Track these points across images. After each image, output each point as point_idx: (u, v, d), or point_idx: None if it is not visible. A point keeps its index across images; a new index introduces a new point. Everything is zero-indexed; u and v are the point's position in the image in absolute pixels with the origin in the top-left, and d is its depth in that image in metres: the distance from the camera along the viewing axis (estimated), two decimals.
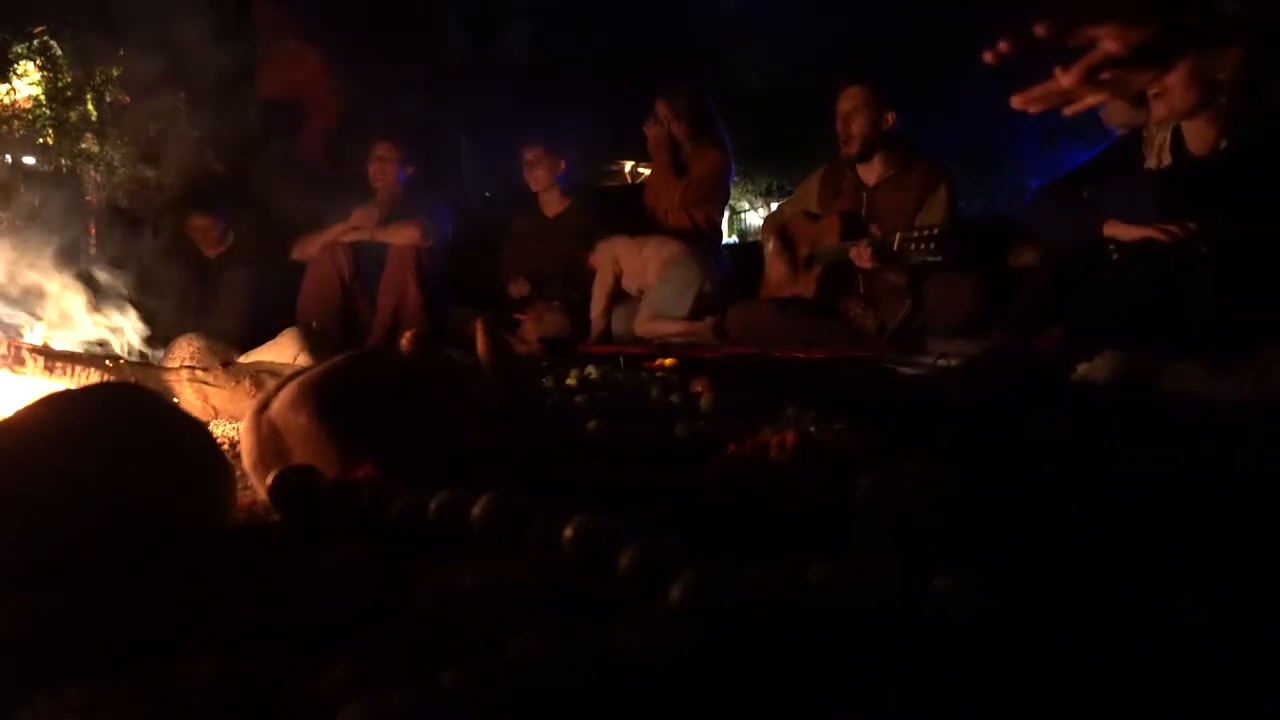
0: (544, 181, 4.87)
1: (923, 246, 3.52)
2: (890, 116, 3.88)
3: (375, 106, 5.38)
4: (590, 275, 4.75)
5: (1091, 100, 1.36)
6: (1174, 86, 2.64)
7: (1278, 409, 1.95)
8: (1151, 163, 2.85)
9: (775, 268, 4.27)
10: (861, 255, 3.74)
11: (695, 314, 4.26)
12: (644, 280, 4.49)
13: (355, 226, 4.67)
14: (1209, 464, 1.36)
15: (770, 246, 4.35)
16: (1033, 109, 1.43)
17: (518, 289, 4.83)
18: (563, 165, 4.89)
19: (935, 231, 3.50)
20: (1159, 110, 2.74)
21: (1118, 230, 2.76)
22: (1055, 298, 2.84)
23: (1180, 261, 2.56)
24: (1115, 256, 2.76)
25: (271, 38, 5.41)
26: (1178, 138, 2.78)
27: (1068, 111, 1.43)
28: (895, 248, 3.62)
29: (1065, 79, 1.30)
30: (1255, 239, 2.49)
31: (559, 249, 4.85)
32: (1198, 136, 2.74)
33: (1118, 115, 3.18)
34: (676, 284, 4.33)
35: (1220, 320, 2.44)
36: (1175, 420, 1.90)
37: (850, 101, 3.89)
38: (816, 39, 6.61)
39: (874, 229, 3.78)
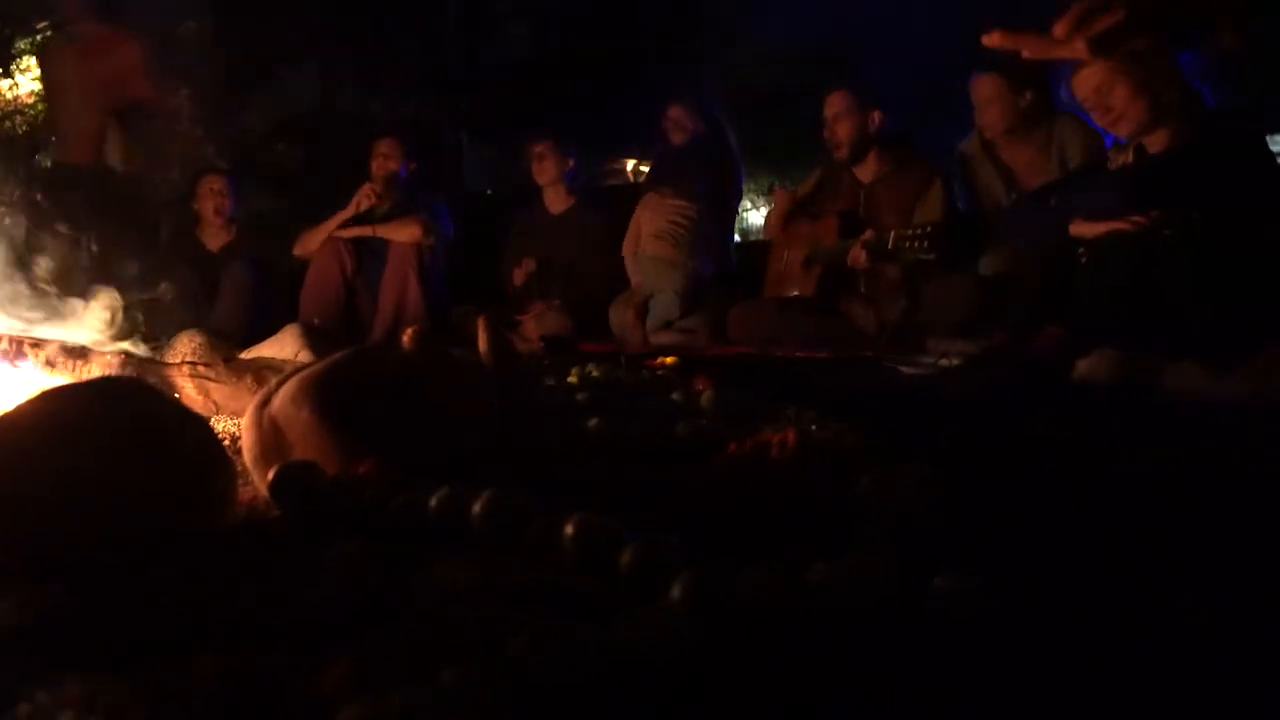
0: (550, 175, 4.87)
1: (916, 244, 3.53)
2: (876, 116, 3.89)
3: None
4: (591, 276, 4.76)
5: (1058, 54, 1.43)
6: (1124, 106, 2.83)
7: (1278, 409, 1.95)
8: (1114, 167, 2.94)
9: (781, 257, 4.26)
10: (857, 257, 3.75)
11: (688, 310, 4.31)
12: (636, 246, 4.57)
13: (359, 204, 4.65)
14: (1209, 464, 1.36)
15: (772, 222, 4.36)
16: (1001, 44, 1.48)
17: (522, 272, 4.82)
18: (570, 164, 4.90)
19: (929, 229, 3.51)
20: (1124, 130, 2.89)
21: (1083, 229, 2.83)
22: (1047, 300, 2.87)
23: (1149, 251, 2.61)
24: (1084, 257, 2.82)
25: (79, 23, 4.95)
26: (1139, 147, 2.88)
27: (1026, 54, 1.49)
28: (890, 246, 3.62)
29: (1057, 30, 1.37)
30: (1218, 224, 2.55)
31: (562, 247, 4.85)
32: (1154, 138, 2.82)
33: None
34: (659, 291, 4.42)
35: (1210, 312, 2.49)
36: (1175, 420, 1.90)
37: (834, 108, 3.92)
38: (817, 39, 6.61)
39: (868, 232, 3.78)
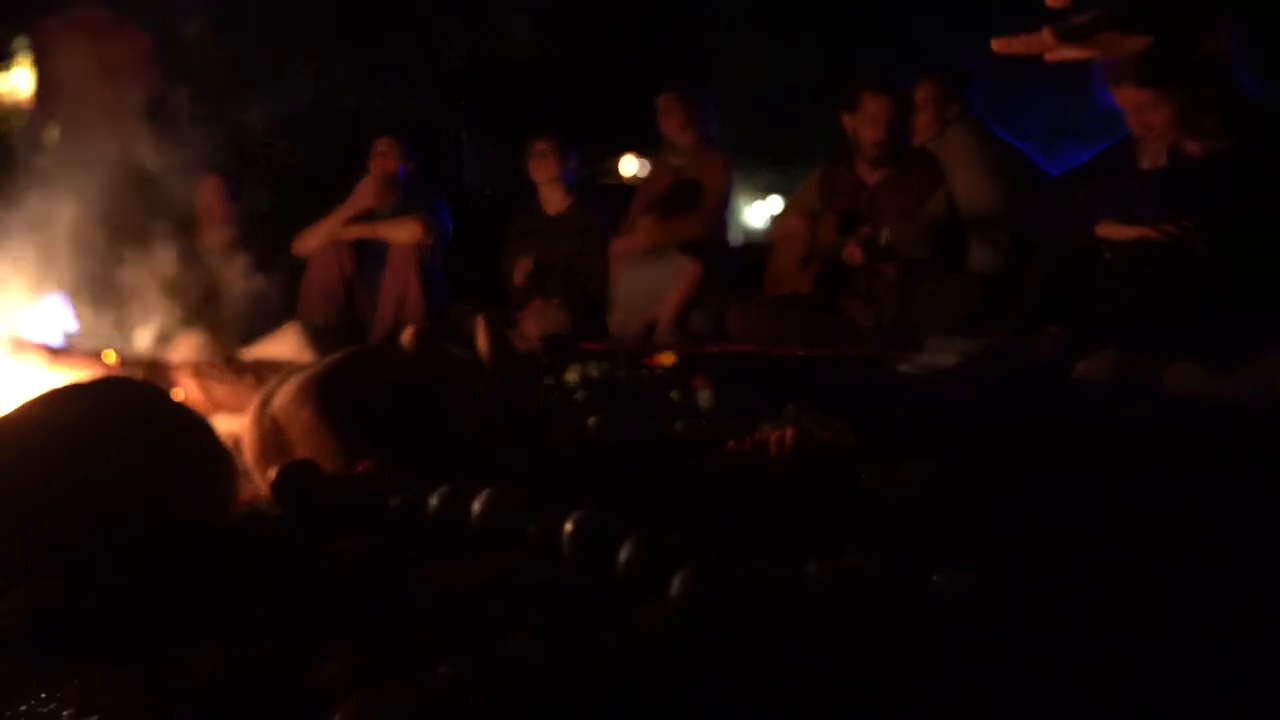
0: (549, 173, 4.86)
1: (912, 240, 3.52)
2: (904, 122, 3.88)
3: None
4: (589, 274, 4.76)
5: (1073, 55, 1.41)
6: (1163, 128, 2.72)
7: (1278, 410, 1.95)
8: (1147, 164, 2.87)
9: (785, 256, 4.25)
10: (852, 253, 3.74)
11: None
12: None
13: (358, 202, 4.64)
14: (1209, 464, 1.36)
15: (782, 225, 4.35)
16: (1010, 50, 1.48)
17: (521, 271, 4.82)
18: (570, 165, 4.89)
19: (924, 226, 3.51)
20: (1155, 146, 2.80)
21: (1112, 231, 2.77)
22: (1050, 299, 2.84)
23: (1178, 261, 2.57)
24: (1109, 256, 2.77)
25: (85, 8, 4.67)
26: (1174, 148, 2.81)
27: (1049, 58, 1.47)
28: (884, 242, 3.62)
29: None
30: (1251, 238, 2.50)
31: (560, 247, 4.85)
32: (1193, 139, 2.77)
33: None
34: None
35: (1221, 321, 2.45)
36: (1175, 420, 1.90)
37: (873, 110, 3.83)
38: (817, 38, 6.60)
39: (864, 228, 3.77)
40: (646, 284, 4.44)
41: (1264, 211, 2.52)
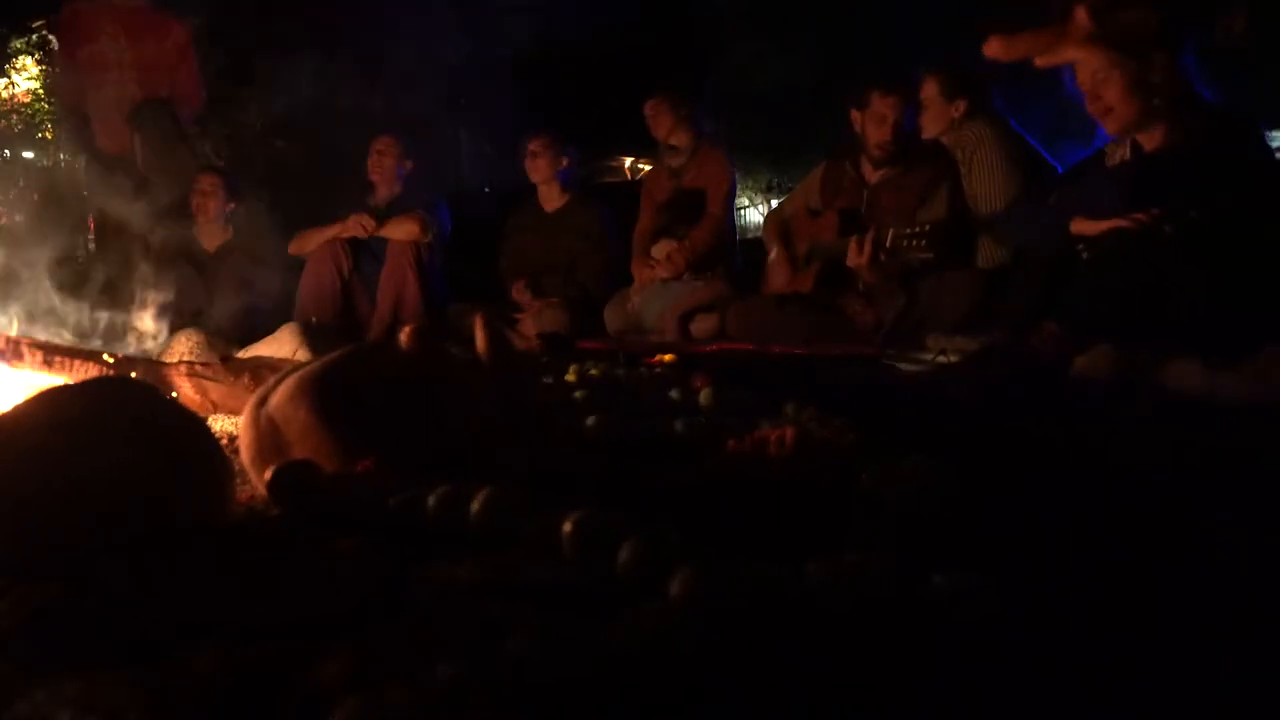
0: (544, 173, 4.86)
1: (914, 244, 3.51)
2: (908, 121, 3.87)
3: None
4: (588, 273, 4.77)
5: (1069, 56, 1.41)
6: (1115, 102, 2.79)
7: (1278, 408, 1.95)
8: (1111, 163, 2.93)
9: (777, 273, 4.26)
10: (854, 253, 3.73)
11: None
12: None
13: (349, 231, 4.65)
14: (1209, 463, 1.36)
15: (773, 254, 4.34)
16: (1010, 55, 1.48)
17: (519, 293, 4.83)
18: (565, 162, 4.89)
19: (928, 228, 3.50)
20: (1111, 126, 2.87)
21: (1083, 226, 2.82)
22: (1045, 299, 2.86)
23: (1150, 252, 2.60)
24: (1085, 255, 2.81)
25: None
26: (1135, 143, 2.88)
27: (1039, 62, 1.47)
28: (889, 244, 3.61)
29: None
30: (1218, 227, 2.54)
31: (558, 245, 4.85)
32: (1149, 136, 2.84)
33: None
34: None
35: (1208, 313, 2.48)
36: (1175, 419, 1.90)
37: (882, 110, 3.82)
38: (816, 38, 6.60)
39: (873, 229, 3.77)
40: (670, 300, 4.46)
41: (1226, 202, 2.57)
